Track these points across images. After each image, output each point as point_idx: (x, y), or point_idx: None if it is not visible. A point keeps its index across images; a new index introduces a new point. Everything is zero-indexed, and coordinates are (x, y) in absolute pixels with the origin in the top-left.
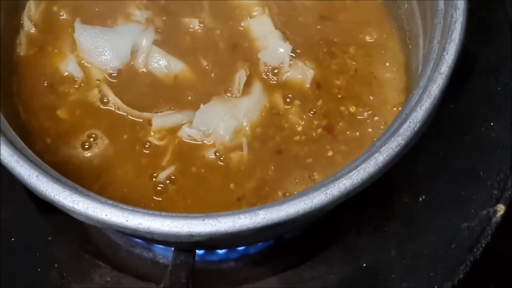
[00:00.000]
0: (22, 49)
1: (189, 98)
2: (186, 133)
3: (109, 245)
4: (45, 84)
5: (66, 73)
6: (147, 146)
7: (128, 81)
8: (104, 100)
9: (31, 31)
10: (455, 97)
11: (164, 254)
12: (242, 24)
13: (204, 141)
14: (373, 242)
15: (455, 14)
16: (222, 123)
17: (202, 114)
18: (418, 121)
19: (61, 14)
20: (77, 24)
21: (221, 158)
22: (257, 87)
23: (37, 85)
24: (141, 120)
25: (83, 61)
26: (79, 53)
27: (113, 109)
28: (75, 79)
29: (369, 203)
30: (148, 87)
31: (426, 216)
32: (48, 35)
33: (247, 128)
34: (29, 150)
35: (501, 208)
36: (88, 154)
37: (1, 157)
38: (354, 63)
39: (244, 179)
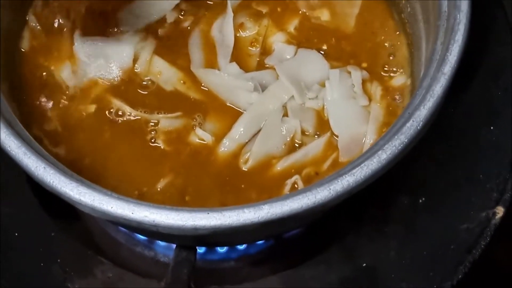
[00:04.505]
0: (24, 44)
1: (193, 102)
2: (198, 135)
3: (110, 243)
4: (43, 82)
5: (61, 78)
6: (153, 148)
7: (130, 90)
8: (108, 108)
9: (35, 27)
10: (456, 101)
11: (165, 253)
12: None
13: (215, 143)
14: (373, 243)
15: (458, 15)
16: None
17: (214, 116)
18: (421, 120)
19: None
20: (77, 37)
21: (233, 160)
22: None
23: (36, 82)
24: (150, 123)
25: (81, 71)
26: (79, 66)
27: (115, 117)
28: (68, 86)
29: (369, 205)
30: (151, 95)
31: (426, 218)
32: (50, 35)
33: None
34: (35, 142)
35: (500, 210)
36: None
37: (9, 149)
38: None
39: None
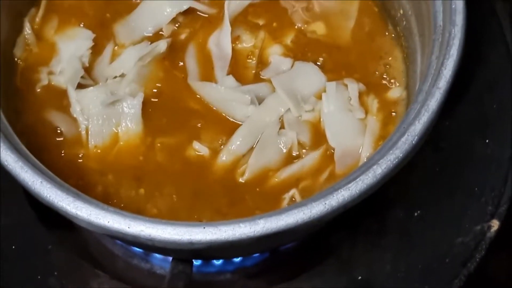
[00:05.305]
0: (18, 51)
1: (199, 125)
2: (195, 148)
3: (107, 255)
4: (38, 91)
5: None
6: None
7: None
8: None
9: (28, 37)
10: (451, 114)
11: (162, 265)
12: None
13: (212, 156)
14: (368, 255)
15: (453, 30)
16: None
17: (211, 129)
18: (416, 135)
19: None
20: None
21: (230, 173)
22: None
23: (30, 91)
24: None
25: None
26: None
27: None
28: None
29: (364, 218)
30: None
31: (421, 231)
32: (41, 45)
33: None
34: (32, 156)
35: (495, 224)
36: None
37: (6, 163)
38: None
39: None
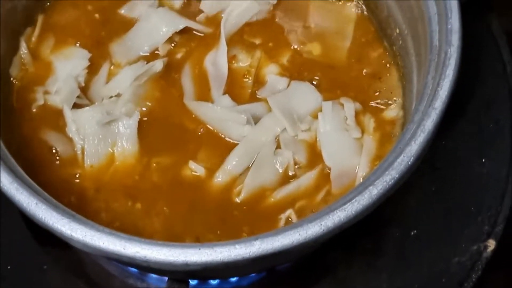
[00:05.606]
0: (14, 71)
1: (195, 145)
2: (191, 168)
3: (103, 275)
4: (34, 110)
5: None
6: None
7: None
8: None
9: (24, 56)
10: (447, 134)
11: (158, 285)
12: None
13: (208, 176)
14: (364, 275)
15: (449, 50)
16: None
17: (207, 148)
18: (412, 155)
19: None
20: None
21: (226, 193)
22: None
23: (26, 111)
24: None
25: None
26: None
27: None
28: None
29: (360, 237)
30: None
31: (417, 250)
32: (37, 64)
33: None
34: (27, 177)
35: (491, 244)
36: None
37: (2, 185)
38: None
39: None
